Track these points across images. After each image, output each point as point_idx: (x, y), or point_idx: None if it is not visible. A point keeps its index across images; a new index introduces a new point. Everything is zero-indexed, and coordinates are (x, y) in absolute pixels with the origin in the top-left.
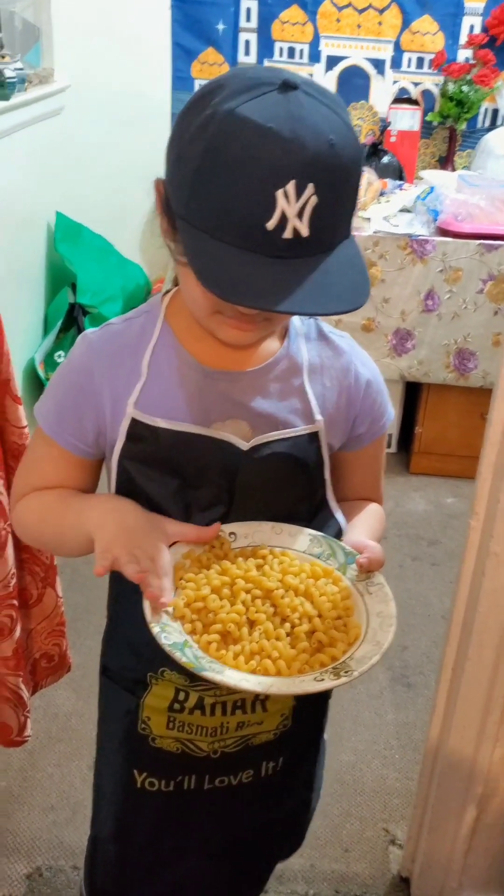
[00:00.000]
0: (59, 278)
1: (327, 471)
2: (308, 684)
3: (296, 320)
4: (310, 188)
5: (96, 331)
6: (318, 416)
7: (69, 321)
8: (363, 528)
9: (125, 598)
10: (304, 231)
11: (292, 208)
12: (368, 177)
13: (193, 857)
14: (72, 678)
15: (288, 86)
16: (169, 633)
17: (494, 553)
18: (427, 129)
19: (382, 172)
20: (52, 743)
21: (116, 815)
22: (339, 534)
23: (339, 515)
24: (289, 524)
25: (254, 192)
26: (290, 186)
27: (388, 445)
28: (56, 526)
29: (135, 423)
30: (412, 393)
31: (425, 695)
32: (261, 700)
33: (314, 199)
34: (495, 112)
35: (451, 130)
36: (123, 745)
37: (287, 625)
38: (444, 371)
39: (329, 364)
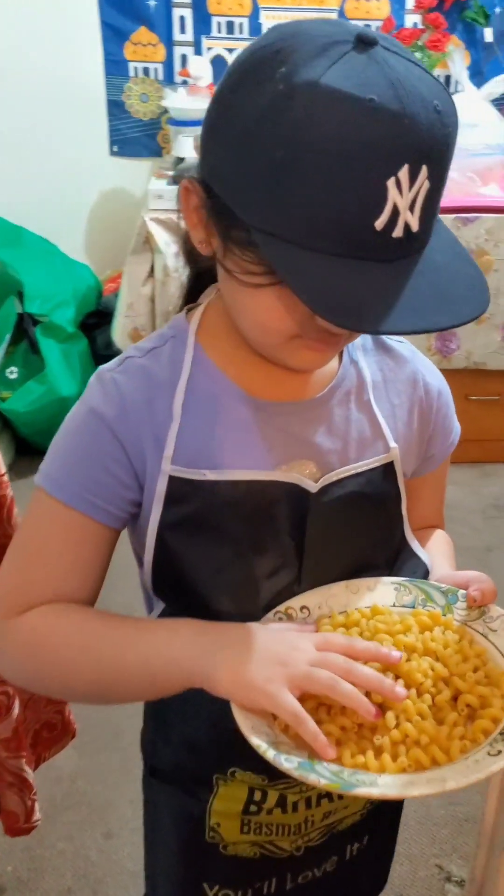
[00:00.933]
0: (3, 287)
1: (404, 505)
2: (487, 763)
3: None
4: (423, 172)
5: (114, 366)
6: (392, 443)
7: (18, 333)
8: (442, 558)
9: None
10: (415, 225)
11: (405, 199)
12: None
13: None
14: None
15: (365, 41)
16: (289, 755)
17: None
18: None
19: None
20: (58, 812)
21: None
22: (425, 575)
23: (422, 553)
24: (362, 578)
25: (359, 185)
26: (404, 173)
27: None
28: (108, 658)
29: (173, 482)
30: None
31: None
32: None
33: (427, 185)
34: (447, 78)
35: None
36: (187, 855)
37: (426, 696)
38: (426, 353)
39: (392, 377)
